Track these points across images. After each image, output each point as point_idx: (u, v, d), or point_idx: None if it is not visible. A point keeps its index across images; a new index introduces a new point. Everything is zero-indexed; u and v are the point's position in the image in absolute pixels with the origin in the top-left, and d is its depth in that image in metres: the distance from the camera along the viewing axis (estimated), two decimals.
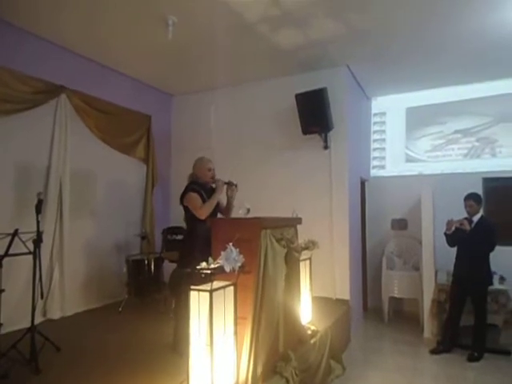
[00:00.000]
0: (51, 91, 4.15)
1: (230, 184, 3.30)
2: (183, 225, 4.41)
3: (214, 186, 3.30)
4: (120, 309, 4.29)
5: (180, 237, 4.46)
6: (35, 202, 2.97)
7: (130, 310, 4.36)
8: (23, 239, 2.89)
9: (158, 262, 4.58)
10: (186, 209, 3.17)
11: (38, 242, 2.87)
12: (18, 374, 2.69)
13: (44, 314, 4.02)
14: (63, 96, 4.26)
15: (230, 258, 2.14)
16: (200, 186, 3.23)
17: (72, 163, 4.38)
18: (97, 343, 3.37)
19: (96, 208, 4.80)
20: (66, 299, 4.22)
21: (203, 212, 3.07)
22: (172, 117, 6.16)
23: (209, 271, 2.12)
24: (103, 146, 4.83)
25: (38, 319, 3.57)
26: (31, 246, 2.91)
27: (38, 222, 2.90)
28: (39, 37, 4.07)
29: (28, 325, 2.95)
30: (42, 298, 2.95)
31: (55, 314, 4.10)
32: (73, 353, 3.13)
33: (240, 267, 2.21)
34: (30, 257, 2.92)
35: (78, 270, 4.45)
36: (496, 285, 4.24)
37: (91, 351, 3.18)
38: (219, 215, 3.37)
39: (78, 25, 3.89)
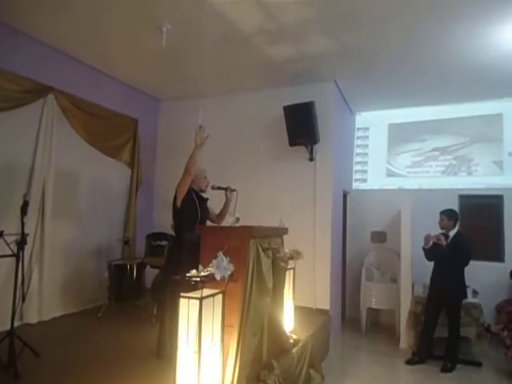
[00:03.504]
0: (39, 91, 4.09)
1: (229, 189, 3.45)
2: (167, 230, 4.46)
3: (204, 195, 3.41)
4: (100, 314, 4.22)
5: (164, 243, 4.45)
6: (17, 202, 2.93)
7: (110, 315, 4.28)
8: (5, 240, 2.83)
9: (141, 267, 4.55)
10: (175, 214, 3.20)
11: (22, 244, 2.83)
12: None
13: (21, 317, 3.90)
14: (50, 96, 4.21)
15: (220, 266, 2.17)
16: (195, 192, 3.32)
17: (56, 164, 4.32)
18: (77, 349, 3.31)
19: (79, 211, 4.73)
20: (44, 303, 4.12)
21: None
22: (158, 122, 6.16)
23: (199, 279, 2.15)
24: (89, 148, 4.78)
25: (15, 323, 3.46)
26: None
27: (22, 224, 2.87)
28: (31, 37, 4.03)
29: (3, 329, 2.87)
30: (23, 301, 2.90)
31: (32, 318, 3.99)
32: (52, 358, 3.06)
33: (229, 275, 2.25)
34: (9, 259, 2.86)
35: (57, 274, 4.35)
36: (469, 298, 4.41)
37: (71, 357, 3.12)
38: (208, 223, 3.40)
39: (71, 28, 3.89)
